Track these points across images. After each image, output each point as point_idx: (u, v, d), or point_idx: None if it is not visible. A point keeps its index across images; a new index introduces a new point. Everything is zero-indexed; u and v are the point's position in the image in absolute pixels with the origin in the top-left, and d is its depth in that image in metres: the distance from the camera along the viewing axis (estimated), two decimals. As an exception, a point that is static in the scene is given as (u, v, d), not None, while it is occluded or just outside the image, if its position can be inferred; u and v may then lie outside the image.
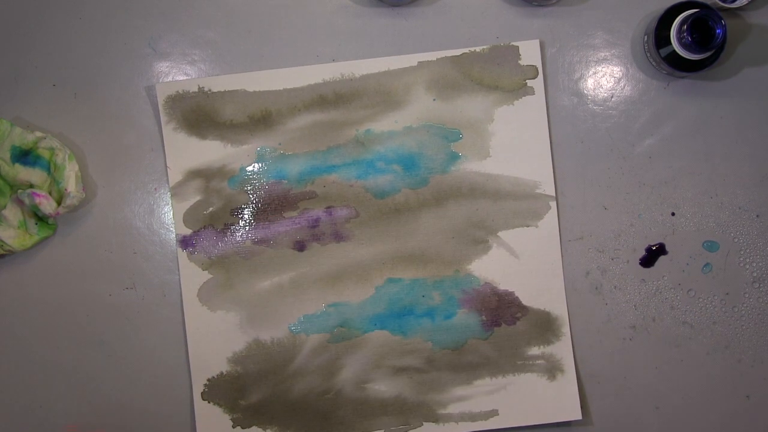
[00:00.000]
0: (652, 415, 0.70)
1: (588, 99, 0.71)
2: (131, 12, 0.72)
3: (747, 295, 0.70)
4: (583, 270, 0.71)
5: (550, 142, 0.70)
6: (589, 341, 0.70)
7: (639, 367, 0.70)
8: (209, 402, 0.70)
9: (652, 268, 0.71)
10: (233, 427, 0.70)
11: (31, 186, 0.69)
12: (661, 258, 0.71)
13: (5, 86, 0.71)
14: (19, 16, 0.72)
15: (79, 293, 0.71)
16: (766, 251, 0.70)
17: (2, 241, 0.69)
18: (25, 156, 0.69)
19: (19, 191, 0.69)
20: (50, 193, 0.69)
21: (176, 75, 0.72)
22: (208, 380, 0.70)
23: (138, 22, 0.72)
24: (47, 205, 0.68)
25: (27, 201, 0.68)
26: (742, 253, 0.70)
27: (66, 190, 0.68)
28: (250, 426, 0.70)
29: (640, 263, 0.71)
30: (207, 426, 0.70)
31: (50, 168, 0.69)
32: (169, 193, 0.71)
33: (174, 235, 0.71)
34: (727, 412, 0.70)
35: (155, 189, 0.71)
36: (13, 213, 0.69)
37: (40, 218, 0.70)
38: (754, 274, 0.70)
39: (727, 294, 0.70)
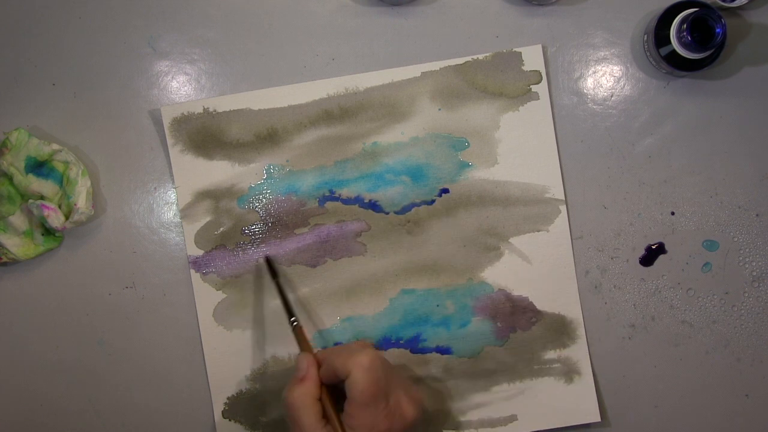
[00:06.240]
0: (651, 414, 0.70)
1: (588, 98, 0.71)
2: (131, 12, 0.71)
3: (746, 295, 0.70)
4: (582, 269, 0.71)
5: (557, 146, 0.70)
6: (589, 340, 0.70)
7: (638, 365, 0.71)
8: (230, 420, 0.71)
9: (651, 267, 0.71)
10: None
11: (42, 197, 0.69)
12: (661, 257, 0.71)
13: (5, 86, 0.71)
14: (19, 15, 0.72)
15: (78, 292, 0.71)
16: (765, 250, 0.70)
17: (6, 248, 0.69)
18: (39, 167, 0.69)
19: (30, 201, 0.69)
20: (59, 207, 0.69)
21: (176, 74, 0.72)
22: (228, 398, 0.71)
23: (138, 22, 0.71)
24: (55, 219, 0.68)
25: (35, 212, 0.68)
26: (741, 252, 0.70)
27: (75, 205, 0.68)
28: None
29: (640, 262, 0.71)
30: None
31: (63, 181, 0.69)
32: (175, 207, 0.71)
33: (186, 255, 0.71)
34: (727, 410, 0.70)
35: (155, 188, 0.72)
36: (20, 221, 0.69)
37: (47, 230, 0.70)
38: (754, 274, 0.70)
39: (727, 293, 0.70)
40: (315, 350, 0.66)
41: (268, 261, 0.70)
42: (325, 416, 0.60)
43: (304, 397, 0.60)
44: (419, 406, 0.62)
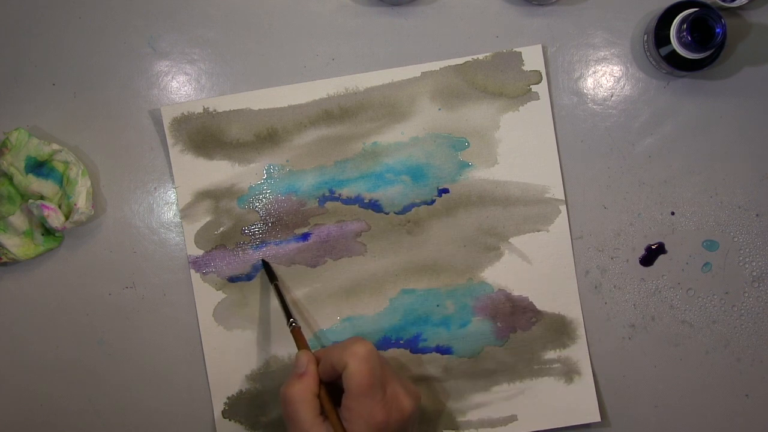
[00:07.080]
0: (651, 414, 0.70)
1: (588, 98, 0.71)
2: (131, 12, 0.71)
3: (746, 294, 0.70)
4: (582, 269, 0.71)
5: (557, 146, 0.70)
6: (589, 340, 0.70)
7: (638, 366, 0.70)
8: (230, 420, 0.71)
9: (651, 267, 0.71)
10: None
11: (42, 197, 0.69)
12: (661, 257, 0.71)
13: (5, 86, 0.71)
14: (19, 15, 0.72)
15: (78, 292, 0.71)
16: (765, 250, 0.70)
17: (6, 248, 0.69)
18: (39, 167, 0.69)
19: (30, 201, 0.69)
20: (60, 207, 0.69)
21: (176, 74, 0.72)
22: (228, 398, 0.71)
23: (138, 22, 0.71)
24: (55, 219, 0.68)
25: (35, 212, 0.68)
26: (741, 252, 0.70)
27: (75, 205, 0.68)
28: None
29: (640, 262, 0.71)
30: None
31: (63, 181, 0.69)
32: (175, 207, 0.71)
33: (186, 255, 0.71)
34: (726, 410, 0.70)
35: (155, 188, 0.72)
36: (20, 221, 0.69)
37: (47, 230, 0.70)
38: (754, 274, 0.70)
39: (727, 293, 0.70)
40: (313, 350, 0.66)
41: (266, 265, 0.70)
42: (322, 413, 0.61)
43: (303, 393, 0.61)
44: (417, 399, 0.62)
